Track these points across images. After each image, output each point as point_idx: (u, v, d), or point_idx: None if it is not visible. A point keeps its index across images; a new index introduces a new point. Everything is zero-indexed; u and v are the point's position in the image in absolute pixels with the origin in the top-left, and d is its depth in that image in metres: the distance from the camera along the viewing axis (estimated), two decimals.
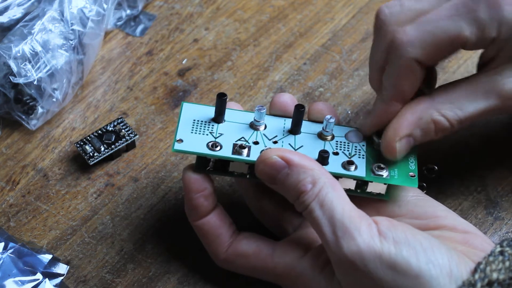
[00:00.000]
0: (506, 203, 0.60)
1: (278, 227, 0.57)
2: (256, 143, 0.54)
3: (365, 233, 0.49)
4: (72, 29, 0.62)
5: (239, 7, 0.71)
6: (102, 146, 0.61)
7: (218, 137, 0.54)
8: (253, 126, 0.55)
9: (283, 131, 0.55)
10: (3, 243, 0.56)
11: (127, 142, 0.62)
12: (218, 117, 0.55)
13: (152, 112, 0.65)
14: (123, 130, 0.62)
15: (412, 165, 0.54)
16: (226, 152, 0.53)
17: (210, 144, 0.53)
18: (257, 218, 0.58)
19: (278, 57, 0.68)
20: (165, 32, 0.69)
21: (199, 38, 0.69)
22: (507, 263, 0.48)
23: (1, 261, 0.55)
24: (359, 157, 0.54)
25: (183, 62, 0.68)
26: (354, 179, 0.54)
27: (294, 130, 0.55)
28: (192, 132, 0.54)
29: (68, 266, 0.57)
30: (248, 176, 0.54)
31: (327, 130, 0.55)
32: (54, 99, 0.62)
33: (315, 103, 0.57)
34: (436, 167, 0.61)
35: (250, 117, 0.56)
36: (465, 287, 0.47)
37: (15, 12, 0.63)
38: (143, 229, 0.59)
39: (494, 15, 0.51)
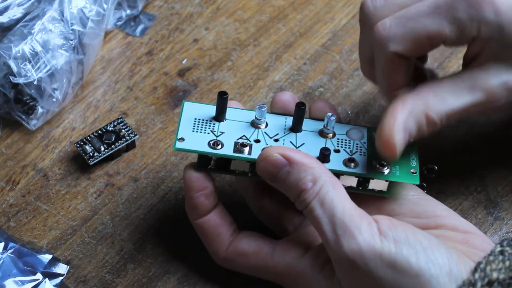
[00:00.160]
0: (506, 203, 0.60)
1: (278, 226, 0.57)
2: (257, 141, 0.54)
3: (365, 232, 0.49)
4: (72, 29, 0.62)
5: (239, 7, 0.71)
6: (102, 146, 0.61)
7: (219, 135, 0.54)
8: (254, 124, 0.55)
9: (284, 129, 0.55)
10: (3, 243, 0.56)
11: (127, 142, 0.62)
12: (219, 116, 0.55)
13: (152, 112, 0.65)
14: (123, 130, 0.62)
15: (414, 162, 0.54)
16: (227, 150, 0.53)
17: (211, 142, 0.53)
18: (257, 217, 0.58)
19: (278, 57, 0.68)
20: (165, 32, 0.69)
21: (199, 38, 0.69)
22: (507, 263, 0.48)
23: (1, 261, 0.55)
24: (361, 155, 0.54)
25: (183, 62, 0.68)
26: (356, 177, 0.54)
27: (295, 128, 0.55)
28: (193, 131, 0.54)
29: (68, 266, 0.57)
30: (249, 174, 0.54)
31: (328, 127, 0.55)
32: (54, 99, 0.62)
33: (316, 101, 0.57)
34: (436, 167, 0.61)
35: (251, 115, 0.56)
36: (465, 287, 0.47)
37: (15, 12, 0.63)
38: (143, 229, 0.59)
39: (474, 15, 0.51)
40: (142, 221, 0.59)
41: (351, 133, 0.56)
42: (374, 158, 0.54)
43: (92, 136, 0.62)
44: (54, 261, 0.56)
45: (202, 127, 0.55)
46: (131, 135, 0.62)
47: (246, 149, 0.53)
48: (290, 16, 0.70)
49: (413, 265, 0.48)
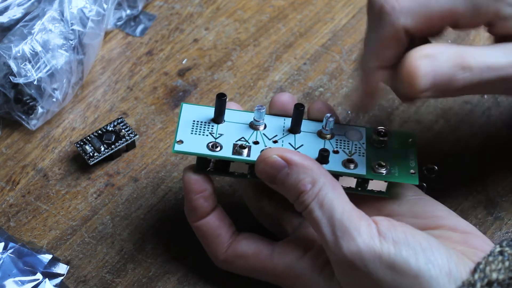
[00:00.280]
0: (506, 203, 0.60)
1: (277, 227, 0.57)
2: (256, 143, 0.54)
3: (364, 233, 0.49)
4: (72, 29, 0.62)
5: (239, 7, 0.71)
6: (102, 146, 0.61)
7: (218, 137, 0.54)
8: (253, 126, 0.55)
9: (283, 130, 0.55)
10: (3, 243, 0.56)
11: (127, 142, 0.62)
12: (218, 118, 0.55)
13: (152, 112, 0.65)
14: (123, 130, 0.62)
15: (412, 162, 0.54)
16: (226, 152, 0.53)
17: (210, 144, 0.53)
18: (256, 218, 0.58)
19: (278, 57, 0.68)
20: (165, 32, 0.69)
21: (199, 38, 0.69)
22: (507, 263, 0.48)
23: (1, 261, 0.55)
24: (359, 155, 0.54)
25: (183, 62, 0.68)
26: (355, 177, 0.54)
27: (294, 129, 0.55)
28: (192, 133, 0.54)
29: (68, 266, 0.57)
30: (248, 176, 0.54)
31: (327, 128, 0.55)
32: (54, 99, 0.62)
33: (314, 102, 0.57)
34: (436, 167, 0.61)
35: (249, 117, 0.56)
36: (464, 287, 0.47)
37: (15, 12, 0.63)
38: (143, 229, 0.59)
39: None
40: (142, 221, 0.59)
41: (350, 134, 0.56)
42: (373, 159, 0.54)
43: (92, 136, 0.62)
44: (54, 261, 0.56)
45: (200, 129, 0.54)
46: (131, 135, 0.62)
47: (245, 151, 0.53)
48: (290, 16, 0.70)
49: (413, 266, 0.48)
